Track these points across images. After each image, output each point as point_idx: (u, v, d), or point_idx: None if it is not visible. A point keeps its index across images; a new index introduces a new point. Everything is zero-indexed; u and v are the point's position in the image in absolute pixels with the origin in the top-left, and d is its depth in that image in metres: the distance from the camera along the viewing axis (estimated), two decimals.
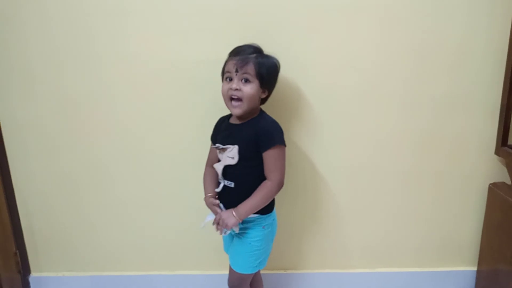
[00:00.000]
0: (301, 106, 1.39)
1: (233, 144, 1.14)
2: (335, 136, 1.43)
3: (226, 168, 1.17)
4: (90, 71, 1.39)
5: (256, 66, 1.10)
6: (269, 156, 1.12)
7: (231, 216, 1.13)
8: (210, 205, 1.22)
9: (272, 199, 1.19)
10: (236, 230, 1.16)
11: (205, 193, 1.25)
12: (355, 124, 1.42)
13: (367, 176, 1.48)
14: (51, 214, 1.56)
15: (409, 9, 1.30)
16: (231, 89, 1.11)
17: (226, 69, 1.14)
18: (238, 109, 1.13)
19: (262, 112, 1.22)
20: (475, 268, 1.57)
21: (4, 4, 1.33)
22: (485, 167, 1.46)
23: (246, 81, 1.11)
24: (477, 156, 1.45)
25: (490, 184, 1.45)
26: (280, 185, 1.14)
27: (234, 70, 1.11)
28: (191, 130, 1.44)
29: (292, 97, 1.38)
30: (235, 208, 1.13)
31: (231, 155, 1.14)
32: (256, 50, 1.14)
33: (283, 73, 1.32)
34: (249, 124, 1.16)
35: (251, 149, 1.13)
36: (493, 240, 1.43)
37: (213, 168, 1.23)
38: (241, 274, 1.23)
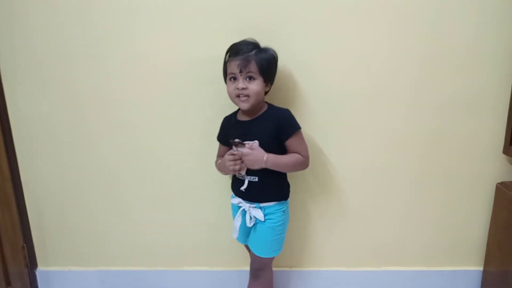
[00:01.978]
0: (310, 108, 1.39)
1: (251, 140, 1.17)
2: (344, 138, 1.43)
3: None
4: (98, 70, 1.40)
5: (258, 63, 1.13)
6: (294, 141, 1.19)
7: (261, 160, 1.15)
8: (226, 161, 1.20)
9: (297, 170, 1.24)
10: (262, 218, 1.22)
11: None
12: (364, 125, 1.42)
13: (377, 176, 1.47)
14: (58, 209, 1.57)
15: (418, 11, 1.30)
16: (237, 88, 1.14)
17: (229, 70, 1.17)
18: (246, 103, 1.16)
19: (269, 104, 1.25)
20: (481, 268, 1.56)
21: (13, 2, 1.34)
22: (493, 167, 1.46)
23: (251, 78, 1.14)
24: (485, 155, 1.44)
25: (498, 183, 1.44)
26: (308, 162, 1.23)
27: (238, 71, 1.13)
28: (197, 127, 1.44)
29: (301, 99, 1.38)
30: (267, 154, 1.16)
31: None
32: (254, 46, 1.17)
33: (292, 75, 1.33)
34: (264, 118, 1.20)
35: (271, 141, 1.18)
36: (500, 240, 1.43)
37: None
38: (266, 258, 1.29)
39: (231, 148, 1.24)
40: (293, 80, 1.36)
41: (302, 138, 1.22)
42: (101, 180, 1.53)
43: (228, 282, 1.61)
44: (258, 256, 1.29)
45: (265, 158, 1.15)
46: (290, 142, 1.19)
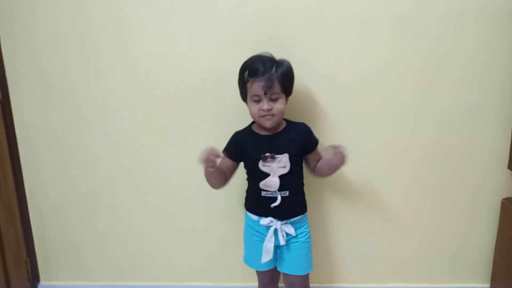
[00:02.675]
0: (313, 118, 1.40)
1: (281, 153, 1.16)
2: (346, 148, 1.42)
3: (280, 179, 1.17)
4: (100, 82, 1.42)
5: (280, 82, 1.12)
6: (317, 153, 1.25)
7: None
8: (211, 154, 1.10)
9: (333, 172, 1.23)
10: (294, 233, 1.20)
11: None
12: (366, 136, 1.42)
13: (379, 189, 1.47)
14: (62, 223, 1.57)
15: (421, 22, 1.31)
16: (263, 110, 1.12)
17: (252, 92, 1.13)
18: (270, 122, 1.15)
19: (285, 119, 1.24)
20: (488, 285, 1.54)
21: (17, 18, 1.37)
22: (498, 182, 1.45)
23: (275, 98, 1.13)
24: (490, 170, 1.44)
25: (503, 199, 1.44)
26: None
27: (262, 92, 1.11)
28: (200, 138, 1.43)
29: (304, 109, 1.39)
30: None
31: (282, 164, 1.16)
32: (272, 62, 1.13)
33: (296, 86, 1.33)
34: (287, 132, 1.21)
35: (297, 154, 1.19)
36: (506, 256, 1.41)
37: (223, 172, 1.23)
38: (305, 277, 1.26)
39: (237, 162, 1.24)
40: (296, 91, 1.35)
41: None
42: (105, 194, 1.53)
43: None
44: (297, 278, 1.25)
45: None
46: (313, 154, 1.23)
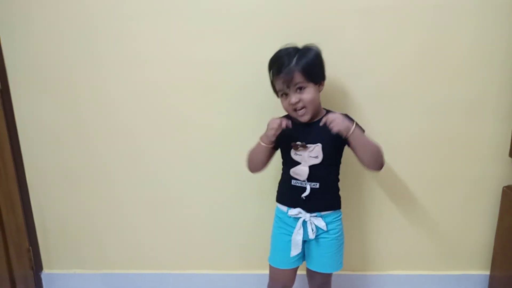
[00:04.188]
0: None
1: (315, 142, 1.13)
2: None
3: (310, 169, 1.14)
4: (99, 74, 1.41)
5: (302, 72, 1.08)
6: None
7: (349, 125, 1.07)
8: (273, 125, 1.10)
9: (374, 158, 1.13)
10: (325, 227, 1.16)
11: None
12: (367, 128, 1.40)
13: (379, 180, 1.47)
14: (63, 212, 1.58)
15: (421, 14, 1.30)
16: (291, 104, 1.11)
17: (278, 88, 1.13)
18: (306, 116, 1.13)
19: (326, 109, 1.21)
20: (488, 272, 1.55)
21: (16, 11, 1.36)
22: (498, 170, 1.45)
23: (301, 88, 1.10)
24: (490, 159, 1.44)
25: (504, 186, 1.43)
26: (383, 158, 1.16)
27: (285, 87, 1.10)
28: (196, 130, 1.45)
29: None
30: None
31: (314, 154, 1.13)
32: (294, 53, 1.10)
33: None
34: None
35: (332, 145, 1.14)
36: (506, 244, 1.42)
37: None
38: (330, 274, 1.25)
39: (274, 149, 1.21)
40: None
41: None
42: (103, 183, 1.53)
43: (231, 285, 1.60)
44: (320, 275, 1.23)
45: (353, 126, 1.07)
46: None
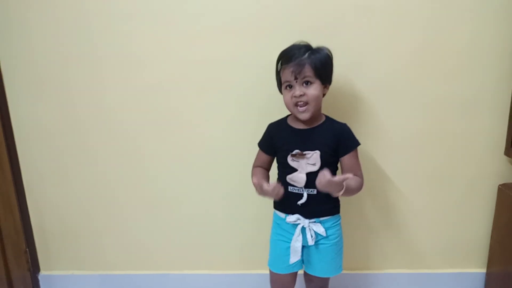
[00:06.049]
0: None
1: (313, 150, 1.11)
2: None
3: (307, 176, 1.13)
4: (96, 75, 1.41)
5: (313, 66, 1.06)
6: (352, 157, 1.14)
7: (337, 192, 1.04)
8: (275, 191, 1.08)
9: (357, 192, 1.15)
10: (324, 233, 1.15)
11: (262, 183, 1.07)
12: (364, 125, 1.42)
13: (375, 177, 1.47)
14: (61, 213, 1.58)
15: (418, 12, 1.31)
16: (295, 96, 1.08)
17: (284, 79, 1.10)
18: (306, 113, 1.09)
19: (326, 116, 1.20)
20: (484, 270, 1.56)
21: (11, 11, 1.36)
22: (494, 168, 1.45)
23: (308, 83, 1.08)
24: (486, 156, 1.44)
25: (500, 185, 1.44)
26: (363, 183, 1.16)
27: (293, 78, 1.07)
28: (194, 131, 1.45)
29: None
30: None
31: (312, 161, 1.11)
32: (306, 49, 1.09)
33: None
34: (324, 128, 1.15)
35: (330, 153, 1.12)
36: (503, 241, 1.43)
37: (265, 169, 1.24)
38: (328, 278, 1.25)
39: (272, 156, 1.21)
40: None
41: (357, 156, 1.16)
42: (101, 184, 1.53)
43: (231, 285, 1.60)
44: (318, 278, 1.23)
45: (341, 193, 1.06)
46: (348, 158, 1.14)
